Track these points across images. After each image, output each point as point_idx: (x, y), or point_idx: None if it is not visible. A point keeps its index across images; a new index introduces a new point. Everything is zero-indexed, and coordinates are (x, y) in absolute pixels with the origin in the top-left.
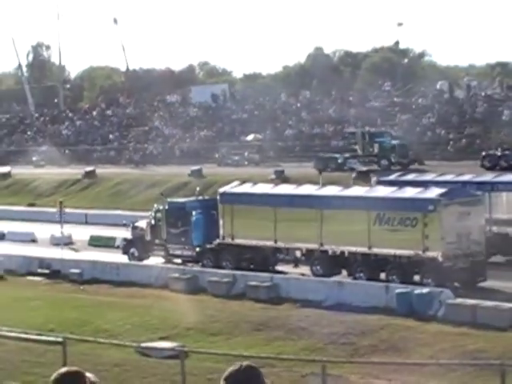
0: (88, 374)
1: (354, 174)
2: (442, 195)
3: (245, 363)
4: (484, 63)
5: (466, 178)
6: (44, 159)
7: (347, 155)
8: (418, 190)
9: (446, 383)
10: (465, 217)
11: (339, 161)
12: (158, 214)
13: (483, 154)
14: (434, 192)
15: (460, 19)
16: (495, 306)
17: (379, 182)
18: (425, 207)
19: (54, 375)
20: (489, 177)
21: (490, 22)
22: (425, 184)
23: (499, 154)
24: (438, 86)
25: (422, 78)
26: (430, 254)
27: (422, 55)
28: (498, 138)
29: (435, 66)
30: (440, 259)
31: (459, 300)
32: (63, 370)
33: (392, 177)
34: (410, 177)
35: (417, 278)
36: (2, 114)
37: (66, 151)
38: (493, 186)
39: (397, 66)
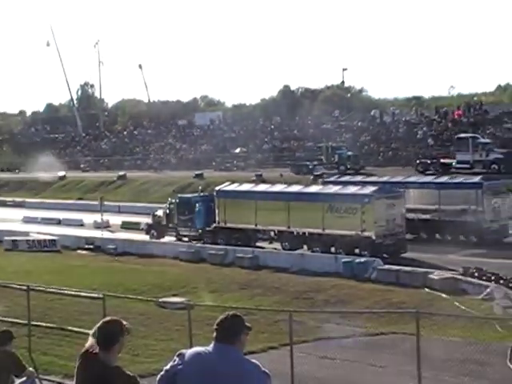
0: (124, 322)
1: (311, 177)
2: (374, 191)
3: (231, 312)
4: (404, 96)
5: (385, 179)
6: (89, 166)
7: (315, 163)
8: (358, 187)
9: (377, 325)
10: (391, 207)
11: (309, 167)
12: (171, 206)
13: (417, 161)
14: (369, 189)
15: (388, 65)
16: (412, 270)
17: (324, 183)
18: (362, 200)
19: (101, 322)
20: (400, 178)
21: (409, 65)
22: (355, 183)
23: (429, 161)
24: (371, 113)
25: (360, 107)
26: (366, 233)
27: (360, 91)
28: (413, 151)
29: (370, 98)
30: (373, 237)
31: (387, 266)
32: (107, 318)
33: (332, 178)
34: (345, 178)
35: (357, 251)
36: (58, 133)
37: (105, 160)
38: (404, 185)
39: (342, 99)
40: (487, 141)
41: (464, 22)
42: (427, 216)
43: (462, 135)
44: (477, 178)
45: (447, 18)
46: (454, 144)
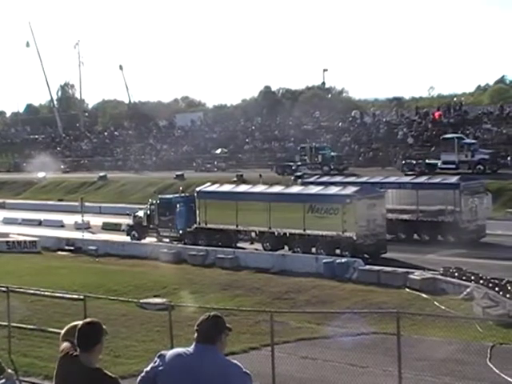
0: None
1: (292, 177)
2: (355, 192)
3: (212, 313)
4: (385, 97)
5: (364, 179)
6: (69, 167)
7: (299, 163)
8: (339, 188)
9: (358, 325)
10: (372, 207)
11: (293, 167)
12: (152, 206)
13: (403, 162)
14: (350, 189)
15: (368, 66)
16: (393, 270)
17: (303, 183)
18: (343, 200)
19: (81, 323)
20: (379, 178)
21: (389, 66)
22: (335, 184)
23: (415, 162)
24: (352, 114)
25: (341, 108)
26: (347, 234)
27: (341, 92)
28: (394, 151)
29: (350, 99)
30: (354, 238)
31: (368, 266)
32: (87, 320)
33: (311, 179)
34: (324, 179)
35: (338, 251)
36: (38, 134)
37: (86, 161)
38: (381, 186)
39: (323, 100)
40: (473, 141)
41: (444, 23)
42: (405, 216)
43: (448, 135)
44: (454, 179)
45: (427, 19)
46: (439, 144)
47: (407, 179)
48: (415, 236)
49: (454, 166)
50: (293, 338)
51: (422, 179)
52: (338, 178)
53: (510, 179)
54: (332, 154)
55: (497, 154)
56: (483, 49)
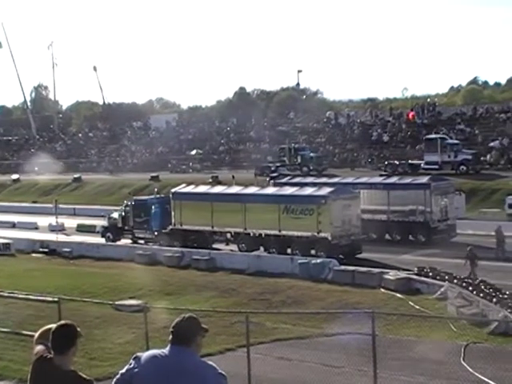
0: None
1: (267, 178)
2: (330, 192)
3: (187, 314)
4: (359, 98)
5: (336, 180)
6: (43, 169)
7: (278, 164)
8: (314, 189)
9: (333, 325)
10: (347, 208)
11: (272, 168)
12: (127, 208)
13: (386, 162)
14: (325, 190)
15: (342, 67)
16: (368, 270)
17: (275, 184)
18: (318, 201)
19: (55, 326)
20: (350, 179)
21: (363, 68)
22: (307, 184)
23: (397, 163)
24: (327, 115)
25: (315, 109)
26: (322, 234)
27: (315, 93)
28: (369, 152)
29: (325, 100)
30: (329, 238)
31: (343, 267)
32: (61, 322)
33: (283, 180)
34: (296, 180)
35: (313, 251)
36: (11, 136)
37: (60, 163)
38: (353, 186)
39: (298, 101)
40: (456, 142)
41: (417, 24)
42: (376, 216)
43: (431, 136)
44: (425, 179)
45: (400, 21)
46: (413, 145)
47: (379, 180)
48: (387, 236)
49: (436, 167)
50: (268, 338)
51: (393, 180)
52: (310, 179)
53: (494, 179)
54: (311, 154)
55: (480, 154)
56: (456, 50)
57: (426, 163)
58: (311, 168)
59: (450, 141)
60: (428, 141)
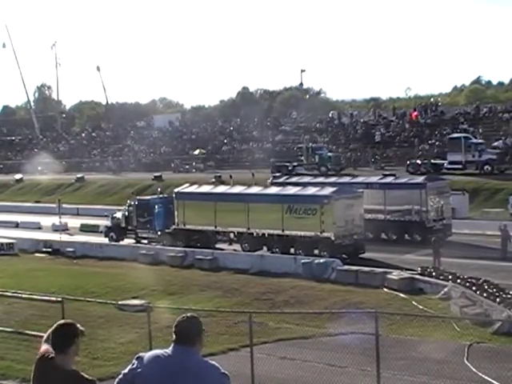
0: (77, 325)
1: (270, 179)
2: (333, 192)
3: (189, 314)
4: (362, 98)
5: (332, 179)
6: (46, 168)
7: (295, 163)
8: (317, 188)
9: (336, 325)
10: (350, 207)
11: (289, 168)
12: (130, 208)
13: (408, 162)
14: (328, 190)
15: (346, 67)
16: (371, 270)
17: (273, 184)
18: (321, 201)
19: (55, 325)
20: (347, 179)
21: (366, 67)
22: (305, 184)
23: (420, 162)
24: (330, 115)
25: (318, 109)
26: (325, 234)
27: (319, 93)
28: (372, 152)
29: (328, 100)
30: (332, 238)
31: (346, 267)
32: (61, 321)
33: (281, 180)
34: (294, 179)
35: (316, 251)
36: (15, 136)
37: (63, 162)
38: (351, 186)
39: (301, 101)
40: (480, 141)
41: (421, 24)
42: (373, 216)
43: (455, 135)
44: (420, 179)
45: (403, 20)
46: (446, 144)
47: (375, 179)
48: (383, 235)
49: (460, 166)
50: (271, 338)
51: (389, 179)
52: (307, 179)
53: None
54: (329, 154)
55: (505, 154)
56: (459, 49)
57: (450, 163)
58: (329, 167)
59: (474, 140)
60: (451, 140)
